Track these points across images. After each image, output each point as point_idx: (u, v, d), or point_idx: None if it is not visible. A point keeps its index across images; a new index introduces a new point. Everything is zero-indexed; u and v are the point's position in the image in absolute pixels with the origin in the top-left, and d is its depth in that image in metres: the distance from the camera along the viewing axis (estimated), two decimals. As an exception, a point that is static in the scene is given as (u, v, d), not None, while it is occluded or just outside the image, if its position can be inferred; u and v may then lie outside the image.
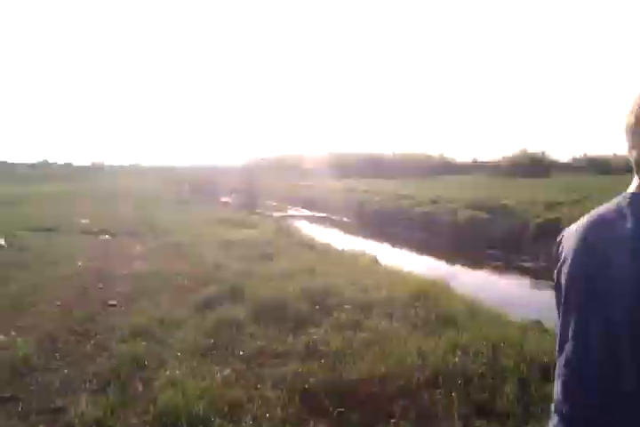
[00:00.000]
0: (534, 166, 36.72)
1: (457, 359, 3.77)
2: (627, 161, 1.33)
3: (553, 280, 1.41)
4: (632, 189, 1.29)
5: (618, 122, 1.32)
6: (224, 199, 23.17)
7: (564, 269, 1.35)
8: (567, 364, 1.34)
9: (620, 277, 1.20)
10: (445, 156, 49.34)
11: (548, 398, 3.16)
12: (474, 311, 5.43)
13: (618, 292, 1.20)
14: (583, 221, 1.35)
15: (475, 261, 11.94)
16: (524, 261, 11.57)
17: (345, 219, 20.44)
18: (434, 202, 18.32)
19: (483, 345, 4.02)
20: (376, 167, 42.82)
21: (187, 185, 25.54)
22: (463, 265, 11.77)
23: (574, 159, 43.09)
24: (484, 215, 15.21)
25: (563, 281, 1.36)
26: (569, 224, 1.44)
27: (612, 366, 1.26)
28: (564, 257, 1.36)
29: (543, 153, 40.58)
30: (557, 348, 1.35)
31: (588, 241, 1.30)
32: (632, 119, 1.24)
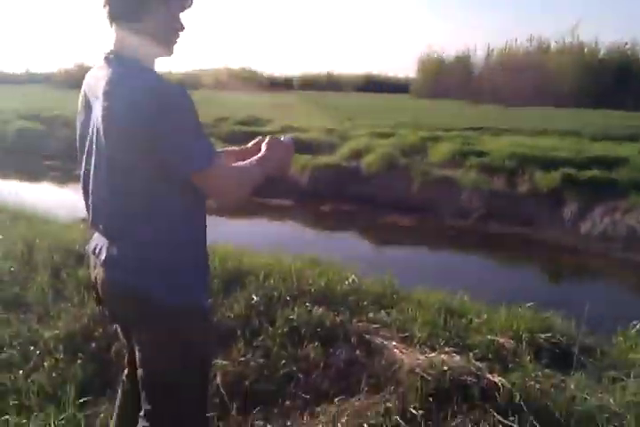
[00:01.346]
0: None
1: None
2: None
3: None
4: (111, 44, 1.43)
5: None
6: None
7: None
8: None
9: (92, 122, 1.40)
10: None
11: (80, 280, 3.26)
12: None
13: (91, 133, 1.41)
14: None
15: (32, 174, 11.19)
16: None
17: None
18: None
19: (18, 244, 3.86)
20: None
21: None
22: (19, 179, 10.88)
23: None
24: (39, 126, 14.36)
25: None
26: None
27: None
28: None
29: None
30: None
31: (82, 90, 1.49)
32: None
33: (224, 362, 2.57)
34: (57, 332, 2.75)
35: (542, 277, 6.09)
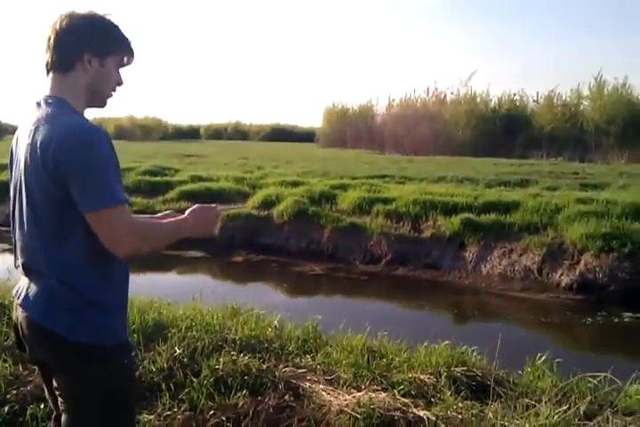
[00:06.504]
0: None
1: None
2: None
3: None
4: (45, 92, 1.52)
5: None
6: None
7: None
8: None
9: (18, 156, 1.48)
10: None
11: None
12: None
13: (18, 169, 1.47)
14: None
15: None
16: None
17: None
18: None
19: None
20: None
21: None
22: None
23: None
24: None
25: None
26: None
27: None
28: None
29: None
30: None
31: (14, 138, 1.54)
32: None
33: (149, 417, 2.50)
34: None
35: (451, 318, 6.37)
